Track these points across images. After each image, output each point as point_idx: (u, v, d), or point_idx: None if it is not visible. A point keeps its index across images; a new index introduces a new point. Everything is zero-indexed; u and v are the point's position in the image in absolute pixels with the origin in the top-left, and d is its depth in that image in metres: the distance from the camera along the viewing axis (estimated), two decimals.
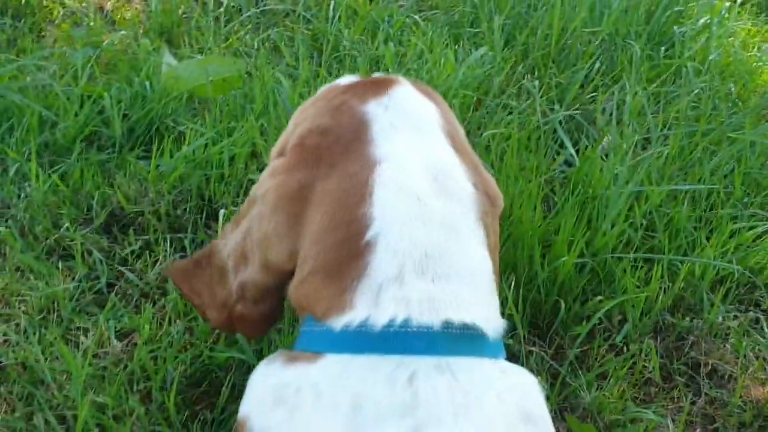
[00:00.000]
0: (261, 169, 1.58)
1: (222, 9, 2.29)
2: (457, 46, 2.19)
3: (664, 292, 1.53)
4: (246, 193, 1.58)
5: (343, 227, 0.78)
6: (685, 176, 1.82)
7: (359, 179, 0.80)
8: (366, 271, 0.75)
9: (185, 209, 1.55)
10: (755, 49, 2.60)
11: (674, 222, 1.65)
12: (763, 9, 2.98)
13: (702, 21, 2.48)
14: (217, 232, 1.50)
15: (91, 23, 2.10)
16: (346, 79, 1.00)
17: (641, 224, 1.63)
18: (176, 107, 1.76)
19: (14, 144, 1.58)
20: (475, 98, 1.96)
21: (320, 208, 0.81)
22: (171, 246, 1.48)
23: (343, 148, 0.84)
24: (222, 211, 1.49)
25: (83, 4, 2.21)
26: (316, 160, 0.84)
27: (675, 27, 2.39)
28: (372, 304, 0.74)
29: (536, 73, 2.17)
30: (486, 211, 0.85)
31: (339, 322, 0.74)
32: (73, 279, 1.38)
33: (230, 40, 2.14)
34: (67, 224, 1.45)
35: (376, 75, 1.05)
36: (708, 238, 1.65)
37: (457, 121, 0.99)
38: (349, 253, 0.77)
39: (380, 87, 0.92)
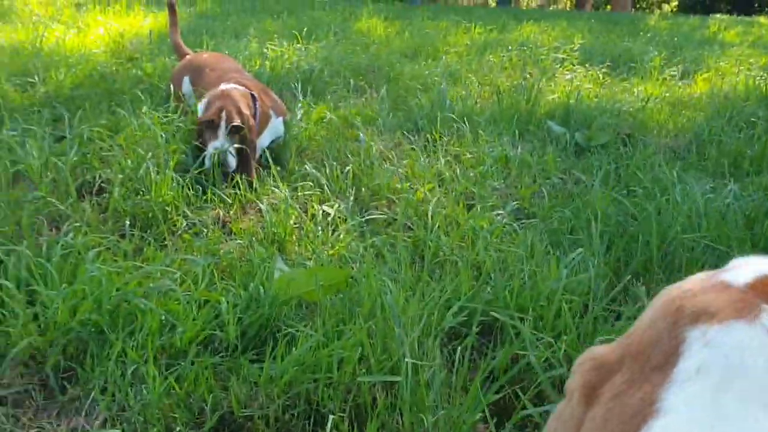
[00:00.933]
0: (369, 372, 1.58)
1: (330, 218, 2.43)
2: (557, 252, 2.21)
3: None
4: (354, 399, 1.56)
5: None
6: None
7: (629, 427, 0.65)
8: None
9: (293, 414, 1.54)
10: None
11: None
12: None
13: None
14: None
15: (210, 233, 2.26)
16: (736, 272, 0.75)
17: None
18: (287, 311, 1.81)
19: (134, 346, 1.65)
20: (581, 303, 1.94)
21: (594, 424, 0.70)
22: None
23: (647, 369, 0.69)
24: (331, 417, 1.46)
25: (204, 217, 2.40)
26: (620, 362, 0.73)
27: None
28: None
29: (642, 279, 2.14)
30: None
31: None
32: None
33: (337, 246, 2.24)
34: (179, 428, 1.45)
35: None
36: None
37: None
38: None
39: (739, 306, 0.68)
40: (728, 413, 0.60)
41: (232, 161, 2.79)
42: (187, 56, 3.88)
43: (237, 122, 2.81)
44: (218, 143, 2.78)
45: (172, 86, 3.50)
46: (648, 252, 2.25)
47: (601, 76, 4.98)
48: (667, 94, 4.59)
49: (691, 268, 2.17)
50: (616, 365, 0.72)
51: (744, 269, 0.74)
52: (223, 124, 2.81)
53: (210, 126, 2.82)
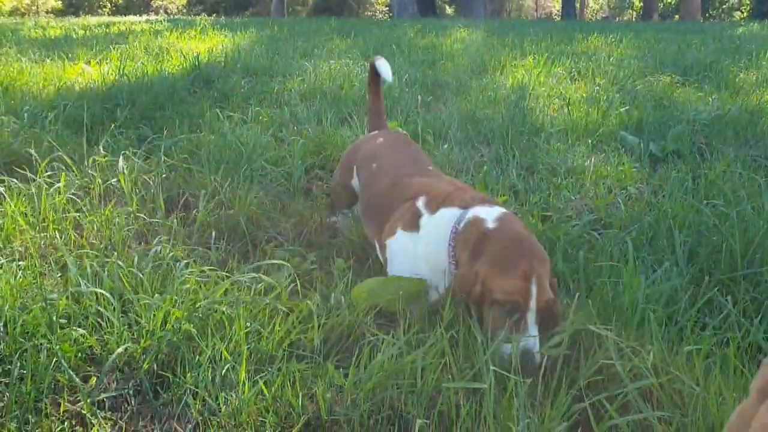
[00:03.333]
0: (452, 380, 1.59)
1: None
2: (638, 262, 2.18)
3: None
4: (437, 406, 1.57)
5: None
6: None
7: None
8: None
9: (378, 419, 1.56)
10: None
11: None
12: None
13: None
14: None
15: (291, 246, 2.32)
16: None
17: None
18: (368, 320, 1.85)
19: (224, 351, 1.71)
20: (664, 314, 1.90)
21: None
22: None
23: None
24: (419, 422, 1.48)
25: (283, 229, 2.46)
26: None
27: None
28: None
29: (726, 290, 2.09)
30: None
31: None
32: None
33: None
34: (268, 431, 1.50)
35: None
36: None
37: None
38: None
39: None
40: None
41: (538, 357, 1.69)
42: (359, 140, 2.76)
43: (550, 296, 1.72)
44: (528, 340, 1.68)
45: (339, 171, 2.60)
46: (732, 262, 2.19)
47: (672, 83, 4.88)
48: (744, 101, 4.46)
49: None
50: None
51: None
52: (533, 304, 1.69)
53: (511, 309, 1.70)
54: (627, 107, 4.13)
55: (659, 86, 4.84)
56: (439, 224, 1.89)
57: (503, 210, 1.87)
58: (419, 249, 1.93)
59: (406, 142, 2.49)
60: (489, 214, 1.83)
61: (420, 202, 1.98)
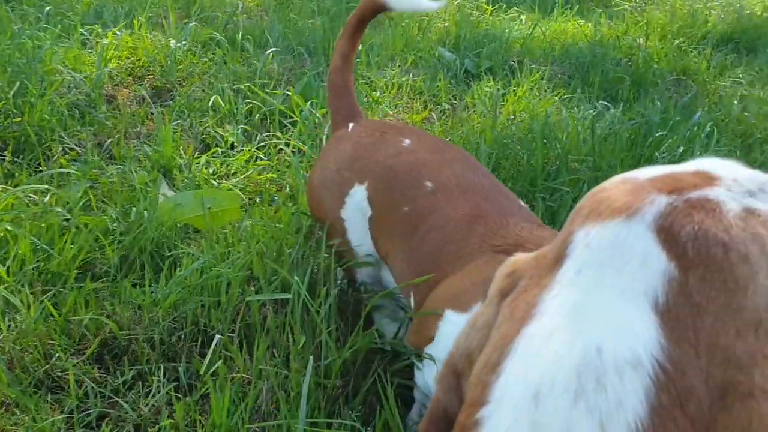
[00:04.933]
0: (258, 292, 1.56)
1: (220, 145, 2.36)
2: None
3: None
4: (242, 320, 1.55)
5: (478, 385, 0.63)
6: None
7: (510, 331, 0.63)
8: None
9: (180, 336, 1.51)
10: None
11: None
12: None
13: (681, 149, 2.58)
14: (210, 360, 1.45)
15: (89, 158, 2.14)
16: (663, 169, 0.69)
17: None
18: (172, 235, 1.76)
19: (6, 273, 1.56)
20: None
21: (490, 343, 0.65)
22: (165, 375, 1.43)
23: (537, 277, 0.67)
24: (217, 337, 1.45)
25: (81, 140, 2.26)
26: (530, 266, 0.70)
27: (656, 153, 2.48)
28: None
29: (525, 199, 2.21)
30: None
31: None
32: (62, 411, 1.31)
33: (231, 171, 2.19)
34: (58, 354, 1.40)
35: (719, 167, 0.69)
36: None
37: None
38: (466, 421, 0.62)
39: (643, 202, 0.63)
40: (597, 315, 0.59)
41: None
42: (346, 139, 1.68)
43: None
44: None
45: (325, 196, 1.64)
46: (533, 174, 2.32)
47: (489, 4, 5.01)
48: (555, 24, 4.68)
49: (574, 189, 2.26)
50: (527, 269, 0.69)
51: (664, 167, 0.70)
52: None
53: None
54: (446, 24, 4.18)
55: (477, 4, 4.95)
56: None
57: None
58: None
59: (448, 145, 1.70)
60: None
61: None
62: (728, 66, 3.92)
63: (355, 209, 1.55)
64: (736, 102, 3.22)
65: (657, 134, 2.53)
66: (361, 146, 1.61)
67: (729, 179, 0.65)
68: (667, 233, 0.60)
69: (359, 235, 1.56)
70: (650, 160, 2.39)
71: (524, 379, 0.59)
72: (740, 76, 3.73)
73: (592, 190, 0.71)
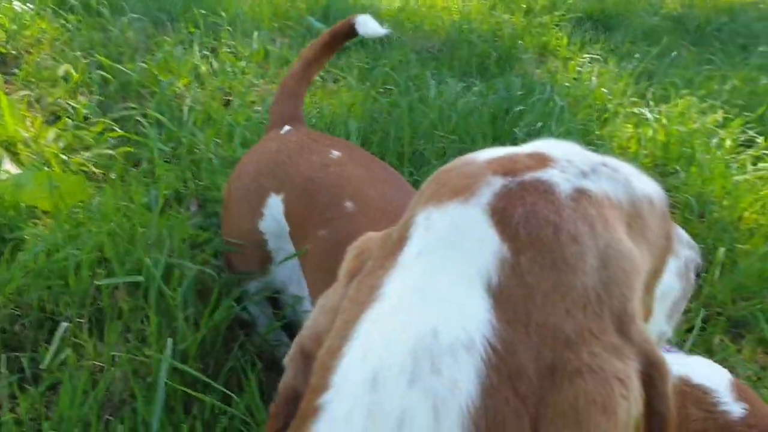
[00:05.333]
0: (110, 275, 1.48)
1: (72, 117, 2.20)
2: None
3: None
4: (93, 303, 1.46)
5: (320, 370, 0.61)
6: None
7: (353, 315, 0.62)
8: None
9: (24, 324, 1.40)
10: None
11: None
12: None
13: (540, 124, 2.68)
14: (58, 348, 1.36)
15: None
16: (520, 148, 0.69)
17: None
18: (15, 216, 1.63)
19: None
20: None
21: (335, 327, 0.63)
22: (7, 366, 1.33)
23: (382, 258, 0.65)
24: (64, 325, 1.36)
25: None
26: (378, 246, 0.68)
27: (515, 128, 2.56)
28: None
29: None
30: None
31: None
32: None
33: (84, 145, 2.05)
34: None
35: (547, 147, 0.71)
36: None
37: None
38: (307, 406, 0.60)
39: (480, 184, 0.63)
40: (434, 299, 0.58)
41: None
42: (269, 146, 1.50)
43: None
44: None
45: (235, 209, 1.50)
46: (400, 147, 2.34)
47: None
48: None
49: (440, 162, 2.29)
50: (374, 250, 0.68)
51: (504, 149, 0.71)
52: None
53: None
54: None
55: None
56: None
57: None
58: None
59: (378, 162, 1.47)
60: None
61: None
62: (587, 42, 4.10)
63: (274, 223, 1.39)
64: (593, 77, 3.38)
65: (516, 109, 2.61)
66: (285, 151, 1.43)
67: (563, 161, 0.66)
68: (501, 215, 0.60)
69: (283, 254, 1.41)
70: (510, 135, 2.47)
71: (363, 364, 0.58)
72: (598, 52, 3.92)
73: (436, 172, 0.71)
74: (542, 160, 0.66)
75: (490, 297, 0.57)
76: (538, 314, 0.56)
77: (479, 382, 0.54)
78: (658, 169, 2.62)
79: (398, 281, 0.61)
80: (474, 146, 2.40)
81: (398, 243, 0.64)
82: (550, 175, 0.63)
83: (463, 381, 0.54)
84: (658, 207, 0.69)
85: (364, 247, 0.71)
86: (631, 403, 0.54)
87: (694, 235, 2.15)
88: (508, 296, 0.57)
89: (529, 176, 0.63)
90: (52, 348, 1.33)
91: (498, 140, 2.54)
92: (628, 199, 0.66)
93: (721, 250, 1.99)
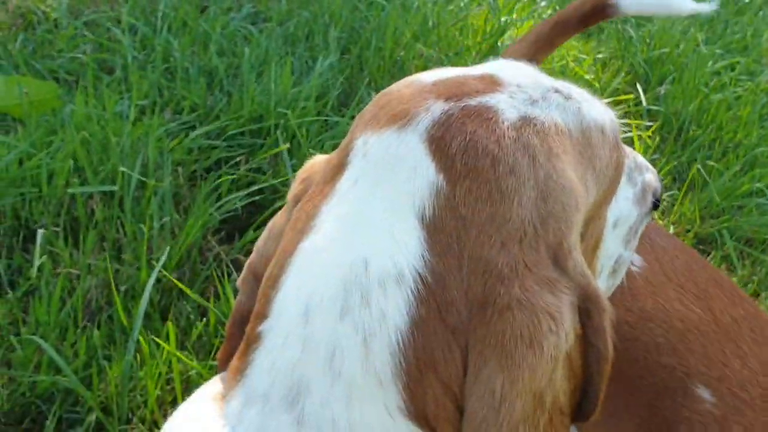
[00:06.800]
0: (84, 184, 1.48)
1: (42, 22, 2.13)
2: (292, 58, 2.17)
3: None
4: (68, 212, 1.46)
5: (262, 297, 0.61)
6: None
7: (290, 243, 0.61)
8: (246, 371, 0.59)
9: None
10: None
11: None
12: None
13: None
14: (34, 255, 1.37)
15: None
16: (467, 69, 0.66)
17: None
18: None
19: None
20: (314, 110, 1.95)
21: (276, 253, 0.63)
22: None
23: (322, 184, 0.63)
24: (40, 232, 1.36)
25: None
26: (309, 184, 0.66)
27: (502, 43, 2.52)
28: (236, 419, 0.58)
29: (373, 84, 2.20)
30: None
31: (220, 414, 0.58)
32: None
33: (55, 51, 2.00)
34: None
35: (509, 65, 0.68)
36: None
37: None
38: (251, 332, 0.60)
39: (419, 109, 0.60)
40: (367, 229, 0.57)
41: None
42: None
43: None
44: None
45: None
46: (381, 59, 2.30)
47: None
48: None
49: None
50: (317, 175, 0.66)
51: (455, 69, 0.67)
52: None
53: None
54: None
55: None
56: None
57: None
58: None
59: None
60: None
61: None
62: None
63: None
64: None
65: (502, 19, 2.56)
66: None
67: (513, 85, 0.63)
68: (438, 144, 0.58)
69: None
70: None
71: (297, 295, 0.58)
72: None
73: (378, 94, 0.68)
74: (491, 84, 0.63)
75: (422, 228, 0.56)
76: (471, 247, 0.55)
77: (408, 314, 0.54)
78: (642, 87, 2.61)
79: (334, 210, 0.60)
80: (459, 62, 2.37)
81: (337, 169, 0.62)
82: (496, 100, 0.60)
83: (391, 314, 0.54)
84: (609, 135, 0.67)
85: (310, 172, 0.70)
86: (560, 337, 0.54)
87: (669, 154, 2.18)
88: (442, 228, 0.56)
89: (474, 101, 0.60)
90: (36, 256, 1.34)
91: (482, 53, 2.51)
92: (577, 128, 0.64)
93: (694, 168, 2.01)
